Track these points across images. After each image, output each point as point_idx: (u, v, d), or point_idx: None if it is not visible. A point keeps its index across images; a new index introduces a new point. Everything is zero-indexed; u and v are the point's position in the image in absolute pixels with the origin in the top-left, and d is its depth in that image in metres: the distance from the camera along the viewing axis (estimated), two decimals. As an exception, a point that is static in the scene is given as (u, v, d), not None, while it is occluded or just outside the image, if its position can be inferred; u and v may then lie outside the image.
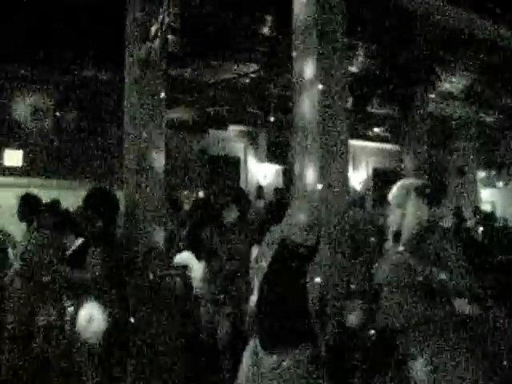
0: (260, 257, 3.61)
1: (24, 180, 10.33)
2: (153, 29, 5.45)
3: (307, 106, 4.21)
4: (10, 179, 10.42)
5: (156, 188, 5.55)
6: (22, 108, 10.69)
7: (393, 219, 3.31)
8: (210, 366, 5.47)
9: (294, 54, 4.37)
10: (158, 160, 5.58)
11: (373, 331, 3.41)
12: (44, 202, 6.41)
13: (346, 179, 4.31)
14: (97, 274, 4.62)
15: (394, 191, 3.34)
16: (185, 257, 6.09)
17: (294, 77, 4.32)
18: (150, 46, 5.54)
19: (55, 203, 6.43)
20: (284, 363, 3.29)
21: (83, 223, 5.16)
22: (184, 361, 5.37)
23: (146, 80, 5.63)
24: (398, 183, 3.36)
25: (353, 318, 3.42)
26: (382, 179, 15.85)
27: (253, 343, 3.48)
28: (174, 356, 5.29)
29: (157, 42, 5.51)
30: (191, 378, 5.43)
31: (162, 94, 5.72)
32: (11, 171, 10.57)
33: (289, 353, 3.30)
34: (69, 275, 4.85)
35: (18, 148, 10.70)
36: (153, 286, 5.31)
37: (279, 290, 3.39)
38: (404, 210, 3.24)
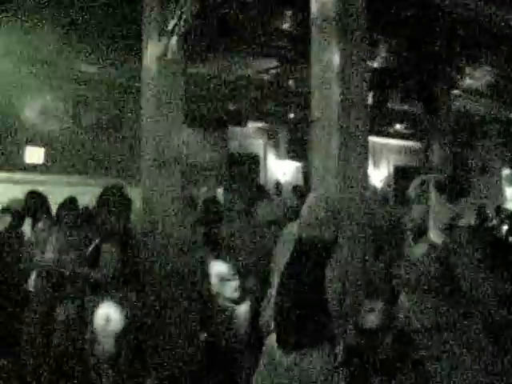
0: (277, 254, 3.54)
1: (45, 177, 10.40)
2: (170, 24, 5.38)
3: (325, 101, 4.12)
4: (32, 176, 10.48)
5: (173, 184, 5.49)
6: (43, 105, 10.74)
7: (412, 215, 3.20)
8: (228, 365, 5.42)
9: (313, 49, 4.28)
10: (176, 156, 5.52)
11: (391, 331, 3.34)
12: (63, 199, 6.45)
13: (365, 175, 4.21)
14: (109, 271, 4.63)
15: (412, 186, 3.22)
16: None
17: (312, 72, 4.23)
18: (168, 42, 5.48)
19: (73, 200, 6.40)
20: (301, 363, 3.23)
21: (98, 221, 5.15)
22: (202, 359, 5.31)
23: (164, 76, 5.58)
24: (417, 178, 3.24)
25: (372, 319, 3.33)
26: (404, 177, 15.69)
27: (270, 342, 3.42)
28: (191, 354, 5.24)
29: (174, 37, 5.45)
30: (209, 376, 5.38)
31: (181, 90, 5.66)
32: (33, 168, 10.63)
33: (306, 353, 3.23)
34: (87, 273, 4.82)
35: (40, 145, 10.75)
36: (171, 282, 5.25)
37: (297, 288, 3.33)
38: (423, 206, 3.12)
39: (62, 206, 6.23)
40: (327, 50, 4.12)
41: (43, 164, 10.75)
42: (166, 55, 5.50)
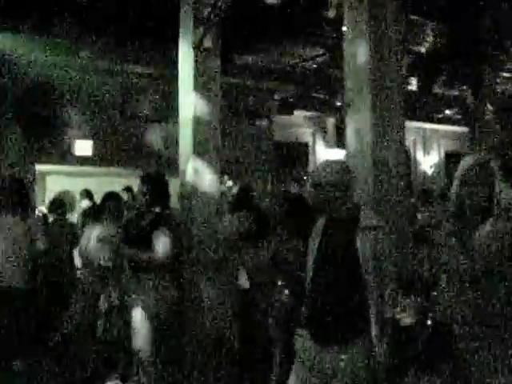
0: (310, 247, 3.35)
1: (94, 169, 10.54)
2: (205, 12, 5.22)
3: (358, 87, 3.91)
4: (81, 168, 10.64)
5: (211, 174, 5.36)
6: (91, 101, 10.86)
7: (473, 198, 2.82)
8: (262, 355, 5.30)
9: (346, 34, 4.08)
10: (213, 145, 5.39)
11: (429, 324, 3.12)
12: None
13: (401, 159, 3.98)
14: (164, 256, 4.60)
15: (465, 167, 2.79)
16: None
17: (345, 56, 4.03)
18: (204, 30, 5.32)
19: (113, 195, 6.47)
20: (341, 361, 3.04)
21: (141, 207, 5.11)
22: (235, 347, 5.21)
23: (201, 65, 5.43)
24: (467, 159, 2.87)
25: (406, 319, 3.12)
26: (455, 162, 15.21)
27: (301, 340, 3.23)
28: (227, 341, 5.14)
29: (211, 25, 5.28)
30: (242, 366, 5.29)
31: (218, 80, 5.50)
32: (82, 161, 10.77)
33: (348, 346, 3.04)
34: (135, 256, 4.75)
35: (89, 138, 10.88)
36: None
37: (329, 275, 3.14)
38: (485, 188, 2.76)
39: (105, 199, 6.24)
40: (358, 36, 3.93)
41: (92, 156, 10.86)
42: (202, 44, 5.34)
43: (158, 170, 5.23)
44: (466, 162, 2.76)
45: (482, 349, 2.65)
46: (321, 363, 3.10)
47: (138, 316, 4.73)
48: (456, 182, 2.75)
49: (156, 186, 4.88)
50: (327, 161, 3.40)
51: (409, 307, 3.14)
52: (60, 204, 8.10)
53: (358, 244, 3.05)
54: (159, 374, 4.71)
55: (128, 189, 8.32)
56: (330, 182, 3.11)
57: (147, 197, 4.84)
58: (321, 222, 3.30)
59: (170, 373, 4.86)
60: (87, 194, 8.64)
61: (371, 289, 3.02)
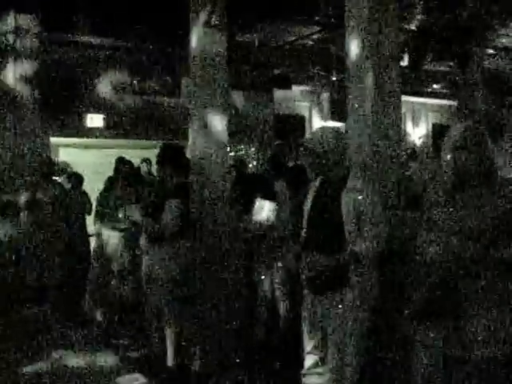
0: (305, 204, 3.46)
1: (105, 141, 10.57)
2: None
3: (359, 63, 3.99)
4: (93, 140, 10.66)
5: (219, 144, 5.43)
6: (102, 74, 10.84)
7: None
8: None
9: (346, 11, 4.13)
10: (220, 118, 5.44)
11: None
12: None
13: (399, 132, 4.08)
14: (175, 225, 4.66)
15: (452, 135, 2.66)
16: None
17: (346, 32, 4.09)
18: (213, 8, 5.35)
19: (124, 160, 6.59)
20: (334, 306, 3.18)
21: (159, 177, 5.17)
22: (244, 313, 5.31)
23: (209, 41, 5.46)
24: (456, 126, 2.72)
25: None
26: (441, 134, 15.29)
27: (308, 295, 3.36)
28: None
29: (218, 2, 5.33)
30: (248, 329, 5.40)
31: (224, 55, 5.54)
32: (93, 133, 10.79)
33: (337, 297, 3.17)
34: (148, 226, 4.83)
35: (100, 111, 10.89)
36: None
37: (319, 233, 3.26)
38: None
39: (118, 165, 6.33)
40: (358, 11, 3.97)
41: (103, 128, 10.88)
42: (210, 22, 5.38)
43: (176, 142, 5.24)
44: (457, 129, 2.69)
45: (481, 302, 2.53)
46: (317, 313, 3.26)
47: (156, 276, 4.84)
48: (448, 149, 2.64)
49: (174, 157, 4.95)
50: (322, 128, 3.49)
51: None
52: (76, 175, 8.24)
53: (342, 204, 3.17)
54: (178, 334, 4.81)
55: (147, 160, 8.38)
56: (323, 148, 3.22)
57: (165, 168, 4.92)
58: (314, 184, 3.43)
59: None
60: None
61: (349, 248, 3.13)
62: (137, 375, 4.79)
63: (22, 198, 6.93)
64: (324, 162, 3.25)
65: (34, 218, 6.84)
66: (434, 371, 3.00)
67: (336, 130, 3.47)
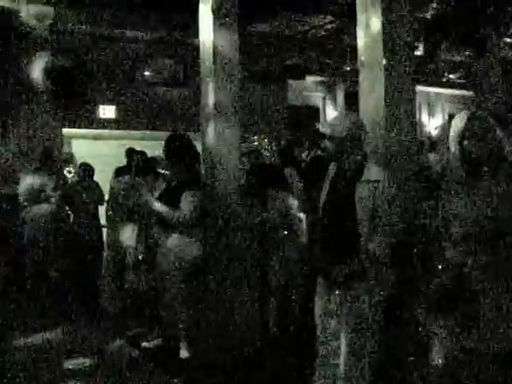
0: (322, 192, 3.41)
1: (117, 132, 10.59)
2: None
3: (372, 53, 3.92)
4: (105, 131, 10.69)
5: (231, 135, 5.39)
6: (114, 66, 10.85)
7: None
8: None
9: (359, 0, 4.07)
10: (232, 108, 5.41)
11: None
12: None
13: (412, 119, 4.00)
14: (192, 215, 4.70)
15: (458, 122, 2.64)
16: None
17: (358, 19, 4.02)
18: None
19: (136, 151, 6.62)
20: (349, 298, 3.13)
21: (168, 168, 5.16)
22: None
23: (219, 31, 5.41)
24: (460, 114, 2.67)
25: None
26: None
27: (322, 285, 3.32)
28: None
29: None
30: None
31: (236, 45, 5.49)
32: (106, 124, 10.81)
33: (352, 287, 3.12)
34: (165, 214, 4.82)
35: (112, 103, 10.89)
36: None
37: (333, 222, 3.22)
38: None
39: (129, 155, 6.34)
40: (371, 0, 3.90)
41: (115, 120, 10.91)
42: (220, 10, 5.34)
43: (183, 132, 5.22)
44: (461, 117, 2.63)
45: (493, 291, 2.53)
46: (332, 303, 3.21)
47: (165, 269, 4.85)
48: (454, 138, 2.60)
49: (181, 147, 4.94)
50: (345, 113, 3.44)
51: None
52: (86, 166, 8.26)
53: (356, 195, 3.11)
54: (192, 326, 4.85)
55: None
56: (340, 133, 3.16)
57: (173, 159, 4.89)
58: (330, 171, 3.37)
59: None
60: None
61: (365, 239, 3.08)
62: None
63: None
64: (340, 147, 3.19)
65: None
66: (449, 364, 2.94)
67: (357, 115, 3.47)
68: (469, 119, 2.58)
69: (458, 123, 2.60)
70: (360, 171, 3.18)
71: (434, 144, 8.52)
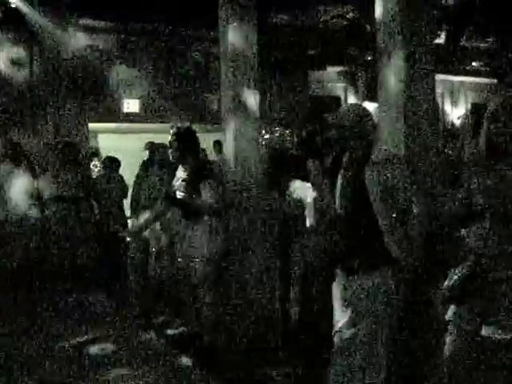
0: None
1: (143, 126, 10.69)
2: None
3: (391, 43, 3.89)
4: (129, 125, 10.80)
5: (251, 126, 5.42)
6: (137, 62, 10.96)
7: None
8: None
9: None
10: (252, 100, 5.42)
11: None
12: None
13: (432, 109, 3.97)
14: (214, 204, 4.72)
15: (489, 107, 2.76)
16: None
17: (377, 12, 4.00)
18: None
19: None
20: (366, 286, 3.14)
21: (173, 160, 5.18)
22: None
23: (239, 22, 5.42)
24: (492, 99, 2.88)
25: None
26: (481, 114, 14.91)
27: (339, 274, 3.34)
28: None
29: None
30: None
31: (255, 37, 5.50)
32: (130, 118, 10.92)
33: (370, 276, 3.13)
34: (190, 203, 4.87)
35: (136, 97, 10.99)
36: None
37: (347, 211, 3.26)
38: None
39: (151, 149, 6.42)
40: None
41: (139, 114, 11.02)
42: (238, 2, 5.35)
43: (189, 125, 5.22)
44: (495, 101, 2.73)
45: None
46: (350, 291, 3.22)
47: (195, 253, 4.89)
48: (485, 122, 2.70)
49: (186, 139, 4.94)
50: (347, 105, 3.51)
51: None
52: (111, 159, 8.38)
53: (367, 179, 3.14)
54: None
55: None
56: (345, 122, 3.23)
57: (178, 151, 4.92)
58: (344, 160, 3.39)
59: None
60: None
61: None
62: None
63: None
64: (346, 135, 3.25)
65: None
66: (467, 354, 2.94)
67: (362, 107, 3.51)
68: (501, 103, 2.66)
69: (490, 106, 2.69)
70: (366, 159, 3.21)
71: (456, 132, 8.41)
